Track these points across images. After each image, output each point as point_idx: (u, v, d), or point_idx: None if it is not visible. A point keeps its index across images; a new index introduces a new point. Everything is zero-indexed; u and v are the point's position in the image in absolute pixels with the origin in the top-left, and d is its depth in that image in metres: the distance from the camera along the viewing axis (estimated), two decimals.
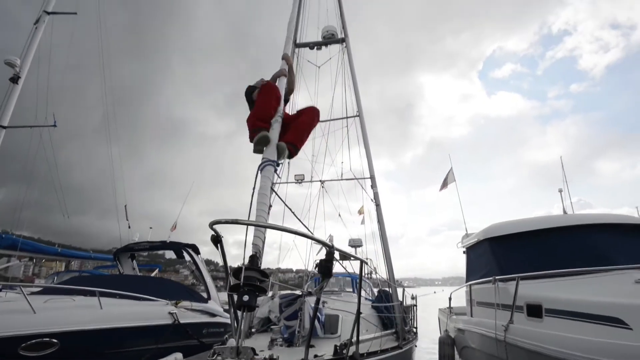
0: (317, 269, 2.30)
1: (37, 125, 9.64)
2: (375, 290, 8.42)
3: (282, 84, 3.64)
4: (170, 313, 6.13)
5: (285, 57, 3.96)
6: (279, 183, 6.57)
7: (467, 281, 6.87)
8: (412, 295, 8.95)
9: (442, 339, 6.78)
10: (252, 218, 2.61)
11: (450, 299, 7.22)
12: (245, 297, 1.98)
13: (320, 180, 6.59)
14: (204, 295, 7.81)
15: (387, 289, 6.97)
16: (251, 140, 3.21)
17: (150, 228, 8.64)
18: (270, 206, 6.54)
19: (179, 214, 8.69)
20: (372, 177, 6.28)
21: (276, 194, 3.26)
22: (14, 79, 9.13)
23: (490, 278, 4.56)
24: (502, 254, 5.26)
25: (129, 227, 11.20)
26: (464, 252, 7.31)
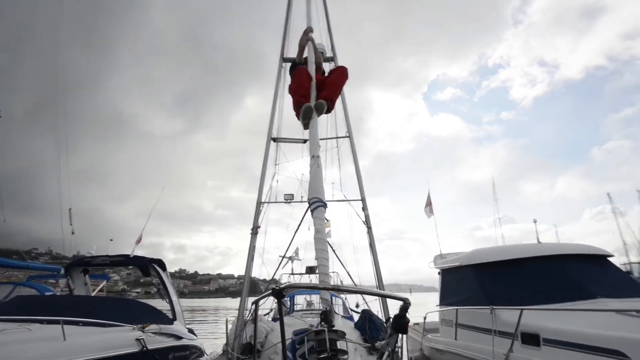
0: (388, 322, 2.15)
1: None
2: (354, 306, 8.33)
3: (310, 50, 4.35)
4: (137, 339, 5.50)
5: (307, 30, 4.72)
6: (268, 203, 6.29)
7: (441, 302, 7.08)
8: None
9: (417, 358, 6.88)
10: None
11: (425, 318, 7.38)
12: None
13: (308, 201, 6.37)
14: (169, 315, 7.17)
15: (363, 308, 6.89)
16: (297, 116, 3.77)
17: (111, 240, 7.71)
18: (259, 227, 6.23)
19: (144, 227, 7.86)
20: (363, 200, 6.23)
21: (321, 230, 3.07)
22: None
23: (488, 307, 4.72)
24: (486, 281, 5.50)
25: (73, 233, 10.05)
26: (438, 273, 7.55)
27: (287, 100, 6.85)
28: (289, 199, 6.48)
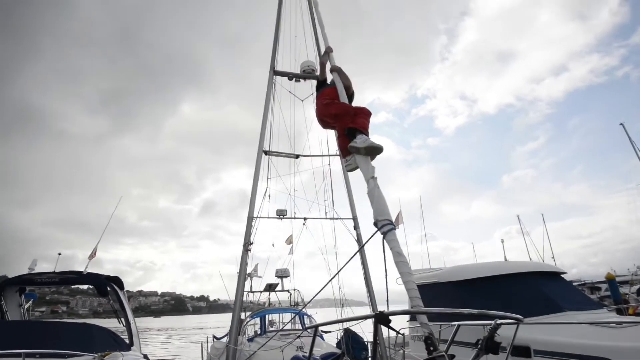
0: (479, 344, 2.15)
1: None
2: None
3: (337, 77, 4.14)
4: None
5: (328, 50, 4.52)
6: (259, 217, 6.01)
7: (412, 318, 7.31)
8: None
9: None
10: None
11: (397, 333, 7.53)
12: None
13: (303, 218, 6.27)
14: (126, 340, 6.37)
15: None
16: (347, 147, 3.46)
17: (59, 254, 6.60)
18: (252, 242, 5.94)
19: (100, 239, 6.88)
20: (355, 218, 6.24)
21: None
22: None
23: (481, 323, 4.98)
24: (470, 297, 5.82)
25: None
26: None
27: (277, 113, 6.74)
28: (282, 214, 6.27)
